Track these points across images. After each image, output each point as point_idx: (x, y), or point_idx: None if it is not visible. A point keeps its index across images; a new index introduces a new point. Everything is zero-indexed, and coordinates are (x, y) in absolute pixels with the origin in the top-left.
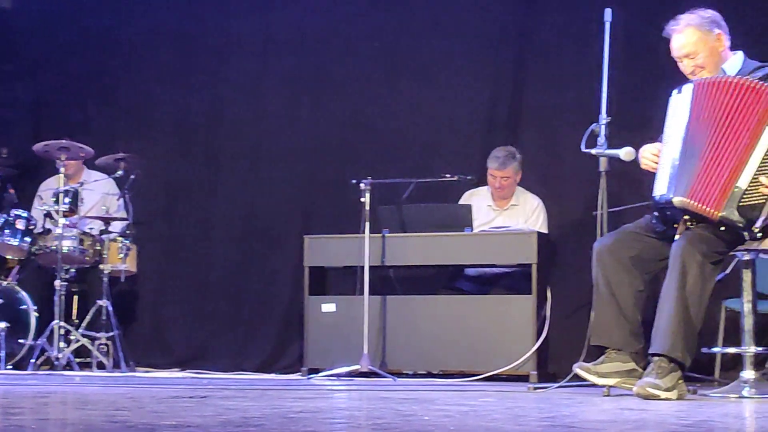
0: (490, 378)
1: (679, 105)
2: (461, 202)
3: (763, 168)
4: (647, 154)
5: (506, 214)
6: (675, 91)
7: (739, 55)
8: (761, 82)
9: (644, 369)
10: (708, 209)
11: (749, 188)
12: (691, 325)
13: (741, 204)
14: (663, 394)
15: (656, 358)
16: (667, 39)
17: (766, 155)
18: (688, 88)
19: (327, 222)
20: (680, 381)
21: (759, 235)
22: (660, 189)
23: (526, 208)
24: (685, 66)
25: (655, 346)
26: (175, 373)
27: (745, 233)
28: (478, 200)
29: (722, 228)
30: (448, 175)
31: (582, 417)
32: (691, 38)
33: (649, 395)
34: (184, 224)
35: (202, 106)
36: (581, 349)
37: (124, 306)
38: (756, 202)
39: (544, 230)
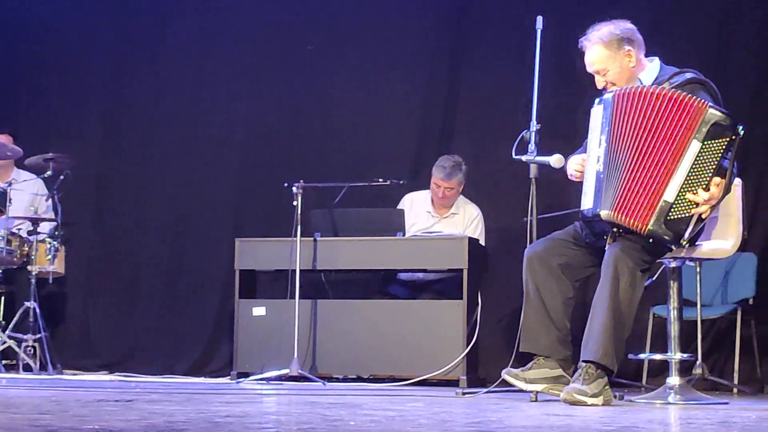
0: (420, 383)
1: (600, 116)
2: (401, 204)
3: (689, 181)
4: (573, 165)
5: (445, 222)
6: (596, 101)
7: (656, 62)
8: (681, 93)
9: (572, 375)
10: (636, 223)
11: (676, 202)
12: (621, 332)
13: (669, 218)
14: (590, 400)
15: (584, 364)
16: None
17: (692, 168)
18: (607, 99)
19: (259, 225)
20: (606, 387)
21: (686, 245)
22: (587, 203)
23: (465, 218)
24: (597, 81)
25: (587, 353)
26: (103, 376)
27: (672, 246)
28: (418, 205)
29: (650, 240)
30: (380, 179)
31: (508, 422)
32: (599, 56)
33: (576, 401)
34: (113, 226)
35: (134, 107)
36: (511, 354)
37: (51, 308)
38: (683, 215)
39: (482, 241)
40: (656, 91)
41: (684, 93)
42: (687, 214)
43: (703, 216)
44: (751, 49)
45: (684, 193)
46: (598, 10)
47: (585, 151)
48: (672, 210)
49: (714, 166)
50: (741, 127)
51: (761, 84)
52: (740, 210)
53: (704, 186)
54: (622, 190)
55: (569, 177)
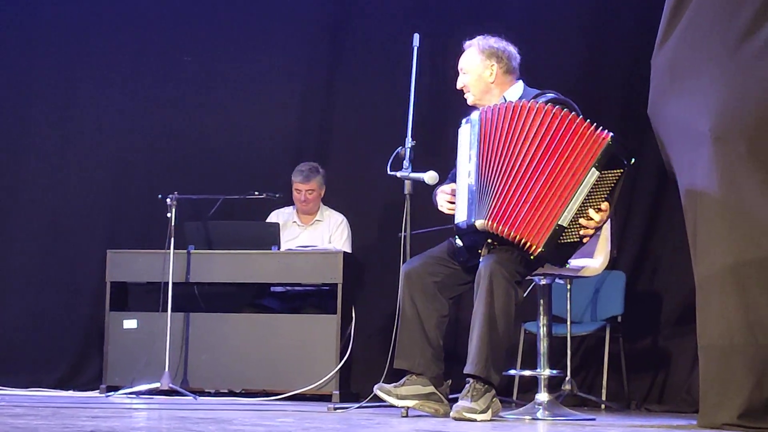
0: (293, 397)
1: (469, 133)
2: (268, 220)
3: (583, 208)
4: (443, 195)
5: (311, 230)
6: (463, 121)
7: (520, 84)
8: (578, 115)
9: (442, 392)
10: (522, 239)
11: (570, 227)
12: (499, 343)
13: (560, 241)
14: (479, 417)
15: (471, 380)
16: None
17: (588, 195)
18: (474, 117)
19: (132, 236)
20: (494, 399)
21: (567, 266)
22: (461, 215)
23: (330, 224)
24: (458, 80)
25: (468, 367)
26: None
27: (556, 266)
28: (284, 217)
29: (531, 257)
30: (256, 193)
31: None
32: (469, 56)
33: (466, 419)
34: None
35: (3, 112)
36: (384, 369)
37: None
38: (573, 240)
39: (348, 247)
40: (521, 103)
41: (581, 117)
42: (576, 240)
43: (585, 240)
44: (620, 66)
45: (577, 219)
46: (473, 29)
47: (453, 180)
48: (564, 234)
49: (606, 194)
50: (633, 159)
51: (629, 103)
52: (609, 229)
53: (596, 210)
54: (499, 200)
55: (439, 209)
